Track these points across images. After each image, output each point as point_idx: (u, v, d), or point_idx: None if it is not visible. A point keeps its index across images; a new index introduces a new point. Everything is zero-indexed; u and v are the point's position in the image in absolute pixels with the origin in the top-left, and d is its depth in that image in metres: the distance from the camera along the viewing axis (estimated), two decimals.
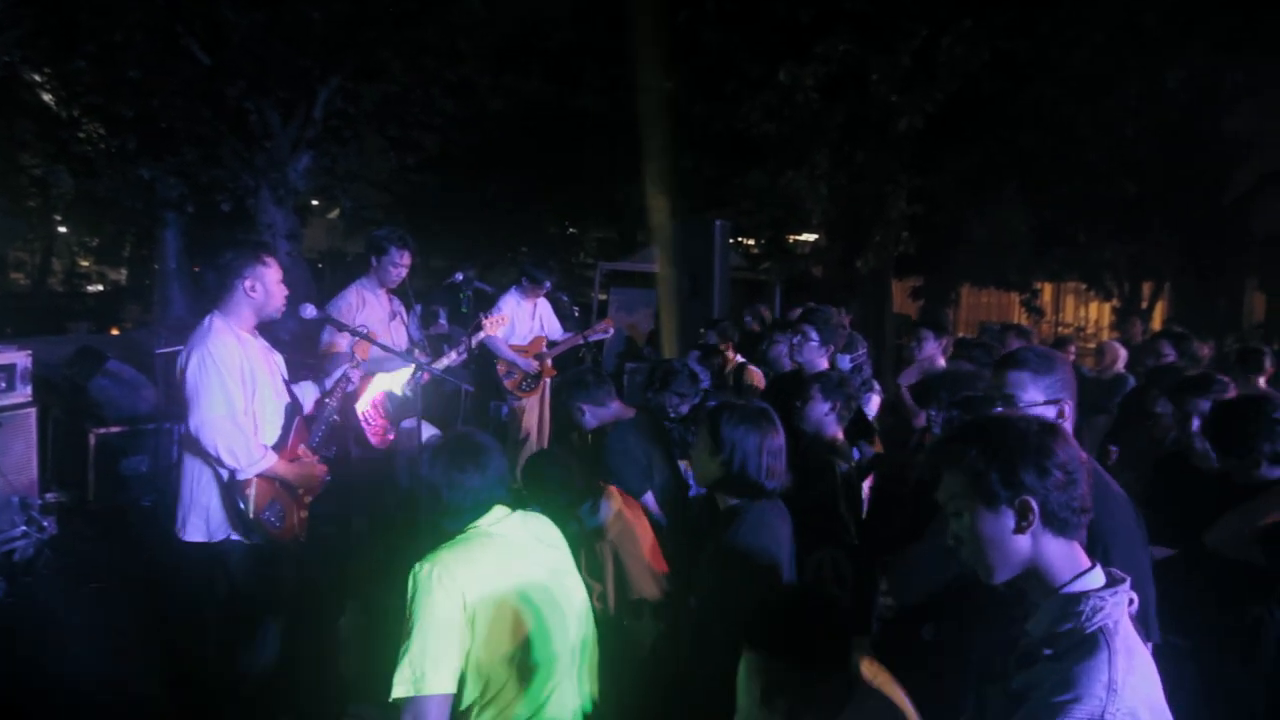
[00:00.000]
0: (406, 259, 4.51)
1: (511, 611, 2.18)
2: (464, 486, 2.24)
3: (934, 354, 5.30)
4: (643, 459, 3.69)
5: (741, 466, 2.43)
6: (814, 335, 4.32)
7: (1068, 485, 1.43)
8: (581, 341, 5.96)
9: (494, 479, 2.28)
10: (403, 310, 4.62)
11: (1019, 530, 1.44)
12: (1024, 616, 1.54)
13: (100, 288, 24.69)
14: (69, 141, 12.44)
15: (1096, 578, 1.45)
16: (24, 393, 5.07)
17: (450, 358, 4.59)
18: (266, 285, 3.18)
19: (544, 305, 6.03)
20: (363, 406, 4.18)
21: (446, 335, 6.31)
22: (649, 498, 3.60)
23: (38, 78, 11.87)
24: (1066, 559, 1.45)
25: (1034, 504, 1.43)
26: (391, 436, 4.31)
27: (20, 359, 5.06)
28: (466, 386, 3.98)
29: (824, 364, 4.43)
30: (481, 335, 5.09)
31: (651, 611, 3.02)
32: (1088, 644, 1.36)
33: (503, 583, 2.18)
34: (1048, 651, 1.40)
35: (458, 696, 2.15)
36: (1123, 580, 1.45)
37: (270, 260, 3.21)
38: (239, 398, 3.08)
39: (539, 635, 2.21)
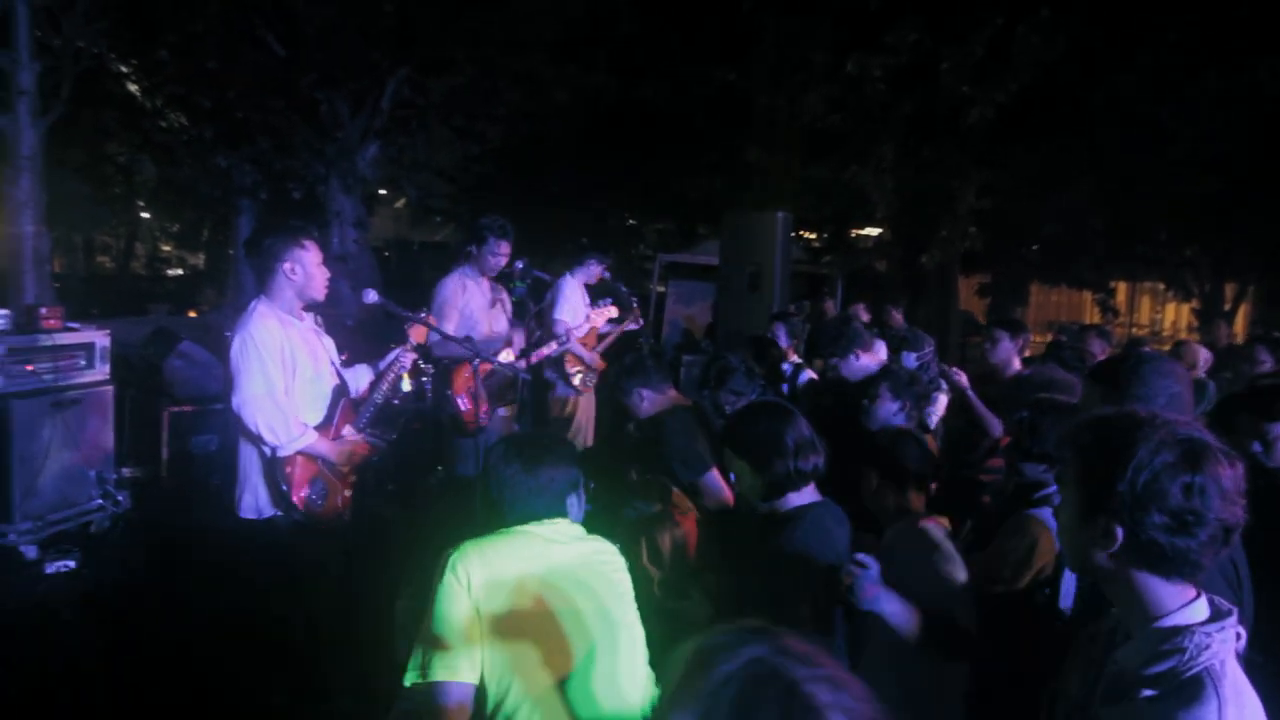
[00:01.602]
0: (505, 248, 4.57)
1: (527, 615, 2.08)
2: (509, 482, 2.19)
3: (1009, 356, 5.08)
4: (698, 444, 3.67)
5: (780, 466, 2.36)
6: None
7: (1177, 532, 1.24)
8: (622, 330, 5.95)
9: (543, 483, 2.20)
10: (505, 297, 4.68)
11: (1098, 548, 1.30)
12: (1108, 636, 1.42)
13: (180, 271, 25.63)
14: (152, 131, 12.89)
15: (1200, 609, 1.29)
16: (102, 370, 5.28)
17: (544, 350, 4.70)
18: (306, 268, 3.25)
19: (587, 298, 5.99)
20: (459, 390, 4.22)
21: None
22: (713, 476, 3.54)
23: (124, 69, 12.34)
24: (1167, 590, 1.29)
25: (1119, 533, 1.27)
26: (485, 422, 4.34)
27: (99, 338, 5.26)
28: (524, 375, 4.00)
29: (871, 365, 4.35)
30: (577, 335, 5.18)
31: (700, 593, 2.99)
32: (1192, 688, 1.22)
33: (521, 584, 2.09)
34: (1148, 693, 1.25)
35: (478, 697, 2.06)
36: (1229, 612, 1.29)
37: (309, 244, 3.28)
38: (278, 378, 3.15)
39: (578, 641, 2.11)
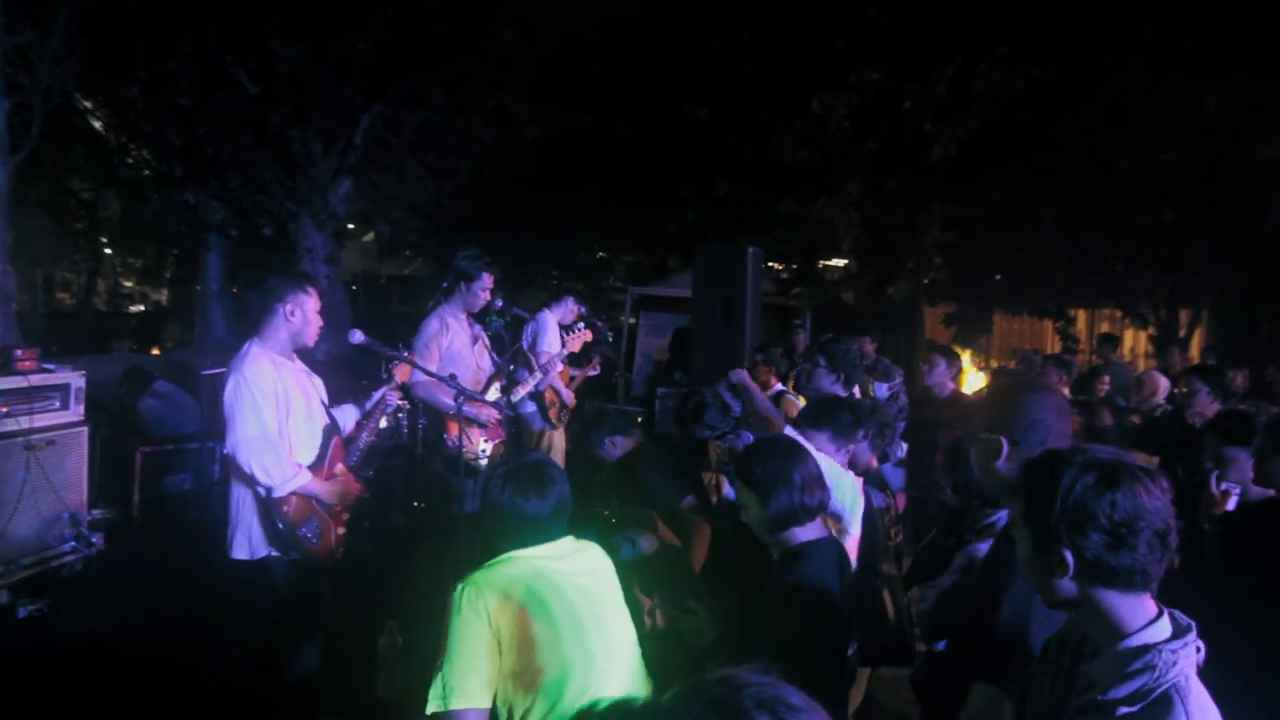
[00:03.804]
0: (491, 283, 4.60)
1: (543, 634, 2.20)
2: (525, 514, 2.29)
3: (943, 379, 5.35)
4: (673, 473, 3.78)
5: (786, 500, 2.39)
6: (823, 362, 4.41)
7: (1117, 547, 1.36)
8: (584, 375, 6.06)
9: (555, 508, 2.33)
10: (484, 335, 4.70)
11: (1057, 575, 1.42)
12: (1076, 646, 1.51)
13: (141, 308, 25.28)
14: (118, 166, 12.82)
15: (1163, 627, 1.39)
16: (77, 412, 5.22)
17: (528, 384, 4.74)
18: (305, 312, 3.32)
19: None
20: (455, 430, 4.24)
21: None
22: (689, 501, 3.66)
23: (89, 104, 12.28)
24: (1129, 608, 1.40)
25: (1069, 558, 1.39)
26: (484, 460, 4.35)
27: (75, 379, 5.21)
28: (507, 411, 4.05)
29: (840, 392, 4.47)
30: (557, 363, 5.24)
31: (705, 612, 3.02)
32: (1161, 705, 1.31)
33: (535, 605, 2.22)
34: (1124, 710, 1.34)
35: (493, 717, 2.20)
36: (1189, 629, 1.39)
37: (312, 290, 3.36)
38: (272, 419, 3.20)
39: (574, 657, 2.23)
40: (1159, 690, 1.32)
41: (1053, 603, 1.47)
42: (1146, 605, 1.41)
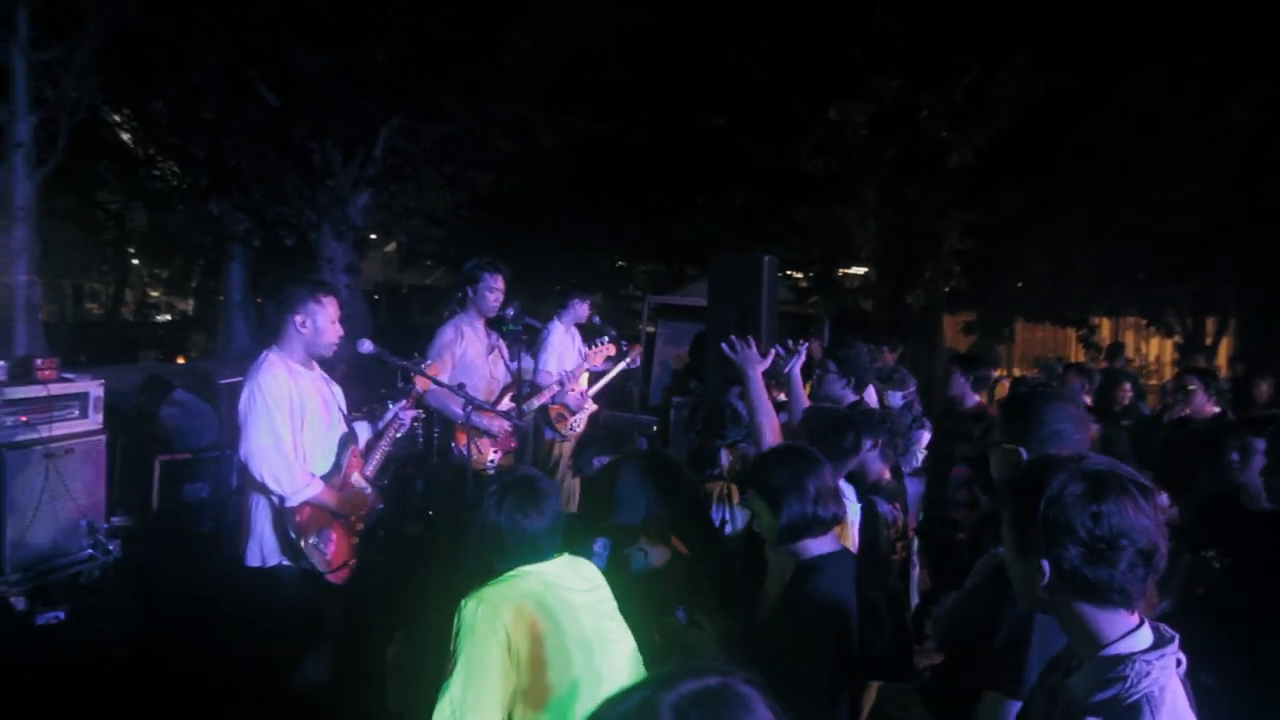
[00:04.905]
0: (500, 283, 4.56)
1: (554, 652, 2.17)
2: (525, 531, 2.25)
3: (964, 390, 5.33)
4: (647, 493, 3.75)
5: (798, 510, 2.34)
6: (832, 367, 4.37)
7: (1095, 562, 1.33)
8: (619, 369, 5.93)
9: (553, 523, 2.29)
10: (501, 344, 4.67)
11: (1035, 583, 1.40)
12: (1067, 663, 1.50)
13: (168, 317, 25.63)
14: (145, 179, 13.04)
15: (1144, 637, 1.36)
16: (95, 420, 5.31)
17: (542, 397, 4.73)
18: (318, 323, 3.30)
19: (579, 338, 5.98)
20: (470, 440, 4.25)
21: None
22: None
23: (117, 118, 12.52)
24: (1107, 620, 1.37)
25: (1046, 569, 1.37)
26: (491, 470, 4.35)
27: (93, 388, 5.29)
28: (517, 421, 4.06)
29: (851, 397, 4.43)
30: (571, 380, 5.22)
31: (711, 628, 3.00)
32: (1131, 715, 1.29)
33: (547, 623, 2.19)
34: (1091, 719, 1.32)
35: None
36: (1170, 640, 1.36)
37: (326, 300, 3.32)
38: (286, 429, 3.19)
39: (581, 676, 2.21)
40: (1129, 700, 1.30)
41: (1033, 604, 1.47)
42: (1125, 617, 1.38)
